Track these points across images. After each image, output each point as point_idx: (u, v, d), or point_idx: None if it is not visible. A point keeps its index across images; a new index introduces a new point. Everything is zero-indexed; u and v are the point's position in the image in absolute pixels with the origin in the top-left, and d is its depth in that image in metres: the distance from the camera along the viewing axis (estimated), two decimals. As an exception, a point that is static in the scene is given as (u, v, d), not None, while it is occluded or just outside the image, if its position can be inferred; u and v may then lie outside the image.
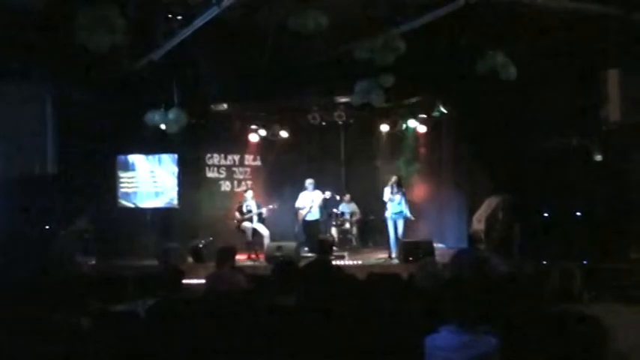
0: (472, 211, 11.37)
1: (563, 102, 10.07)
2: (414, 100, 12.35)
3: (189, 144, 12.58)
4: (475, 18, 8.42)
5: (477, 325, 3.36)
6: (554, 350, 3.23)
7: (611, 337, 3.24)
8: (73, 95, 10.48)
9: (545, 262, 8.82)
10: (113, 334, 3.92)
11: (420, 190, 12.92)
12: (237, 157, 13.72)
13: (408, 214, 11.11)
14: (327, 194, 12.02)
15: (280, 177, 13.33)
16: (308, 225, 11.97)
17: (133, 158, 12.83)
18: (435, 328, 3.45)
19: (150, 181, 12.79)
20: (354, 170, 13.70)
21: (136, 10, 7.66)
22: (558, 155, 10.17)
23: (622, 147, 9.82)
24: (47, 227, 10.33)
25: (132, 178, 12.80)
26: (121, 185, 12.75)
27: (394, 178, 11.11)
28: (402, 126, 12.99)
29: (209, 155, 13.54)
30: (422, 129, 12.78)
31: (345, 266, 10.14)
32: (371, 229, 12.97)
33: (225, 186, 13.62)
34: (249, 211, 11.74)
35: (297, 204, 12.01)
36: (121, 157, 12.78)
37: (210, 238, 11.53)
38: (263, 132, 13.29)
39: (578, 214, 10.00)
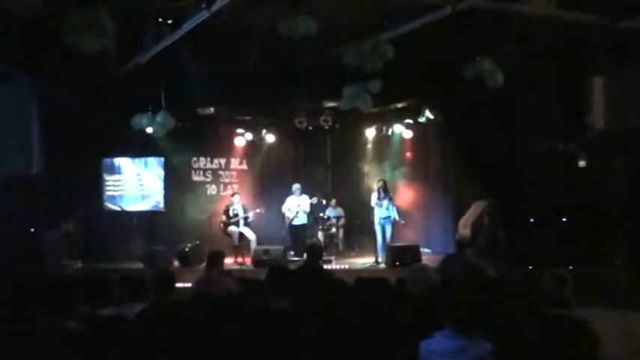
0: (458, 216, 11.44)
1: (549, 109, 10.18)
2: (400, 105, 12.40)
3: (176, 147, 12.56)
4: (462, 25, 8.47)
5: (471, 329, 3.38)
6: (548, 354, 3.26)
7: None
8: (59, 97, 10.38)
9: (530, 268, 8.92)
10: (103, 338, 3.89)
11: (407, 195, 12.95)
12: (223, 161, 13.68)
13: (397, 218, 11.16)
14: (314, 200, 12.03)
15: (266, 181, 13.34)
16: (295, 230, 11.94)
17: (119, 161, 12.75)
18: (428, 332, 3.47)
19: (136, 184, 12.73)
20: (340, 175, 13.74)
21: (126, 14, 7.60)
22: (544, 161, 10.24)
23: (606, 153, 9.93)
24: (32, 230, 10.19)
25: (118, 181, 12.72)
26: (107, 188, 12.66)
27: (380, 183, 11.19)
28: (388, 131, 13.04)
29: (195, 159, 13.49)
30: (408, 134, 12.82)
31: (332, 270, 10.13)
32: (357, 233, 12.99)
33: (212, 189, 13.58)
34: (236, 215, 11.71)
35: (284, 208, 12.00)
36: (107, 160, 12.69)
37: (197, 242, 11.50)
38: (250, 136, 13.29)
39: (564, 219, 10.09)
